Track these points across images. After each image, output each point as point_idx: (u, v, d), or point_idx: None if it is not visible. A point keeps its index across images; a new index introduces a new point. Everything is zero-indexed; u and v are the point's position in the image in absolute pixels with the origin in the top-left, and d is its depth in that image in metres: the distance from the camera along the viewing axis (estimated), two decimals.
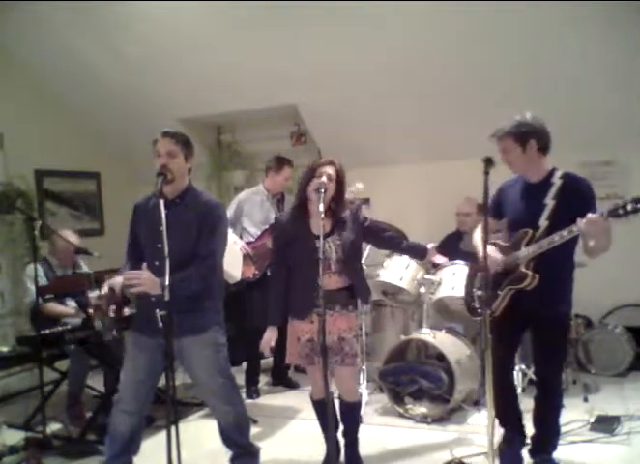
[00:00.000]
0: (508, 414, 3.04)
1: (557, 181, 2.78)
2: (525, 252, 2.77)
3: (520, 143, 2.75)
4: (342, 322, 2.95)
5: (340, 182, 2.97)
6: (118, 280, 2.80)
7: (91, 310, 3.81)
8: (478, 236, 3.07)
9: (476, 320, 3.36)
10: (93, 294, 4.26)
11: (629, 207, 2.45)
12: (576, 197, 2.71)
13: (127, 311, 4.05)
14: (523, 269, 2.78)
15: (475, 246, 3.08)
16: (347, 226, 2.99)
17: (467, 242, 3.29)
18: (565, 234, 2.63)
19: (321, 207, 2.77)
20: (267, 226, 4.52)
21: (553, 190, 2.76)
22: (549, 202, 2.75)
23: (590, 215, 2.51)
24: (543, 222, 2.75)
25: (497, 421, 2.85)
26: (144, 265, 2.69)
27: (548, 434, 2.96)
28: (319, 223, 2.75)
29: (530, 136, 2.74)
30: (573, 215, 2.62)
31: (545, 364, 2.96)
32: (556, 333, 2.89)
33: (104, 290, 2.82)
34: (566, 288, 2.88)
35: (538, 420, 2.98)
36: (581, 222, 2.54)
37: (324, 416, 2.94)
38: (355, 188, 3.92)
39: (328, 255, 2.89)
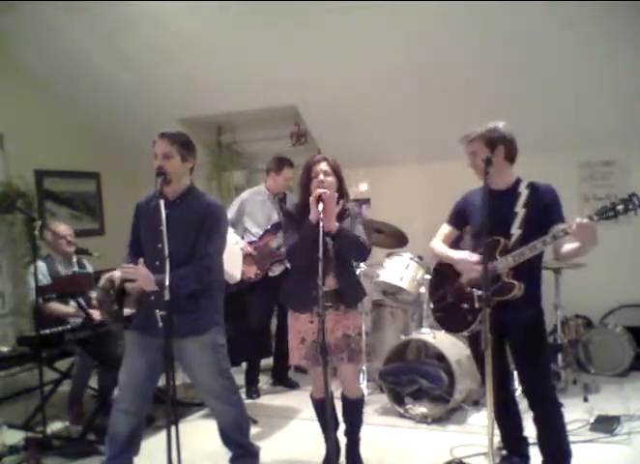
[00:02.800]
0: (508, 436, 3.00)
1: (524, 190, 2.76)
2: (505, 261, 2.70)
3: (489, 147, 2.73)
4: (347, 320, 2.98)
5: (338, 175, 2.98)
6: (116, 274, 2.80)
7: (94, 310, 3.79)
8: (441, 246, 2.99)
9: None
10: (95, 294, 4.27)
11: (620, 208, 2.41)
12: (544, 205, 2.71)
13: (127, 311, 4.07)
14: (507, 279, 2.71)
15: (444, 257, 2.98)
16: (344, 226, 2.95)
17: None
18: (548, 240, 2.59)
19: (320, 206, 2.76)
20: (269, 226, 4.54)
21: (522, 199, 2.74)
22: (520, 210, 2.73)
23: (579, 219, 2.46)
24: (516, 230, 2.72)
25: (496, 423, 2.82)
26: (140, 260, 2.69)
27: (557, 454, 2.83)
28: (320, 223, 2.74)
29: (499, 142, 2.74)
30: (542, 222, 2.65)
31: (530, 381, 2.85)
32: (533, 338, 2.79)
33: (102, 282, 2.82)
34: (537, 295, 2.84)
35: (542, 444, 2.85)
36: (569, 226, 2.50)
37: (324, 415, 2.93)
38: (357, 189, 3.91)
39: (327, 255, 2.85)
